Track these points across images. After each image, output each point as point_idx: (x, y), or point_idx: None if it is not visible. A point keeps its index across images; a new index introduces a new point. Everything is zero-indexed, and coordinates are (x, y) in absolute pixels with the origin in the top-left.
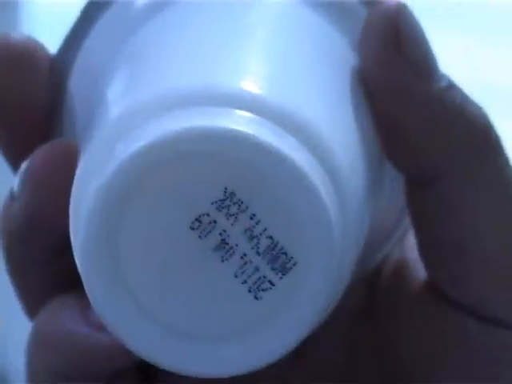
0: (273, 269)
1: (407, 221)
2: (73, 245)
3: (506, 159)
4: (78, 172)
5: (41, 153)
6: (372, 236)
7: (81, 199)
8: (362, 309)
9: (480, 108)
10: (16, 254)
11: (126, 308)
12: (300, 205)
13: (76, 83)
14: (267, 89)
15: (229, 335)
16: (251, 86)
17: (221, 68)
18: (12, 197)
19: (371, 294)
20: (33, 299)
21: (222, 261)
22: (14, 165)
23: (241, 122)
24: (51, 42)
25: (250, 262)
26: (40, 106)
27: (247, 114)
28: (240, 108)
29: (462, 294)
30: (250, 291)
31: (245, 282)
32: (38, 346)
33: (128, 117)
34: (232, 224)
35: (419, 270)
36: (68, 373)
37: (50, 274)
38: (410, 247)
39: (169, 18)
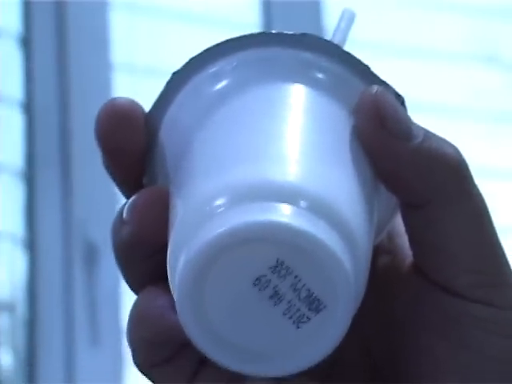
0: (309, 309)
1: (397, 213)
2: (171, 287)
3: (472, 182)
4: (172, 235)
5: (143, 194)
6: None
7: (177, 258)
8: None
9: (451, 146)
10: (124, 257)
11: (208, 336)
12: (329, 269)
13: (165, 134)
14: (305, 184)
15: (280, 350)
16: (293, 182)
17: (273, 168)
18: (121, 220)
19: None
20: (136, 285)
21: (275, 305)
22: (123, 190)
23: (286, 214)
24: None
25: (294, 305)
26: (139, 150)
27: (290, 207)
28: (285, 202)
29: (438, 276)
30: (293, 323)
31: (290, 317)
32: (137, 321)
33: (208, 202)
34: (282, 282)
35: (406, 254)
36: (156, 342)
37: (148, 269)
38: (399, 235)
39: (231, 109)
